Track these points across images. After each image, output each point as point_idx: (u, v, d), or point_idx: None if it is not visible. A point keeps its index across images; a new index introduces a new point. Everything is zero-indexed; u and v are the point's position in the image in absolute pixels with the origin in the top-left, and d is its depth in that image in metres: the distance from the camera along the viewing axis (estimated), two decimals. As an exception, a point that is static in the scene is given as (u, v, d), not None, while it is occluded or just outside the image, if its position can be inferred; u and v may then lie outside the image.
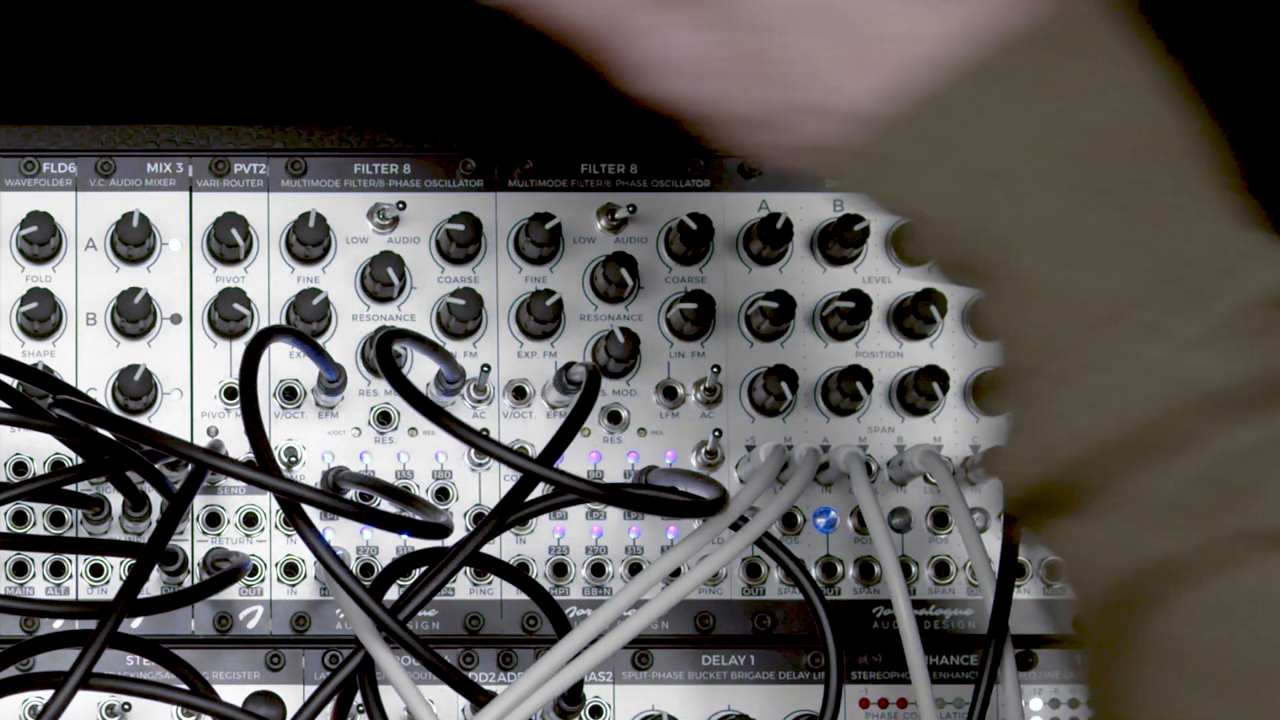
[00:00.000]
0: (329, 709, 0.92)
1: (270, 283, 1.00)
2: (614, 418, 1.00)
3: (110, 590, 0.99)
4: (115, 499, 0.98)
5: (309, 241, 0.99)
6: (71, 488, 0.97)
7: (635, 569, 1.00)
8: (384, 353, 0.90)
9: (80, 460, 0.94)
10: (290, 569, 0.99)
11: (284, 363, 1.00)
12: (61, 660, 0.92)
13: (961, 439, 1.00)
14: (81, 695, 0.88)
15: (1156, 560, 0.71)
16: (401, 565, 0.95)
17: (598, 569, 1.00)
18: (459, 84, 1.11)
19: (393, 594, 0.94)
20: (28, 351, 0.99)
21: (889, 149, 0.72)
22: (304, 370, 0.99)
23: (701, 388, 1.00)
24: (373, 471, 1.00)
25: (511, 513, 0.90)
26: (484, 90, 1.10)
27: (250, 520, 0.99)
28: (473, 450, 1.00)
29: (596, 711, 1.00)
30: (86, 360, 0.99)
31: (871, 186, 0.73)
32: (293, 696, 0.98)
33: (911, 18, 0.71)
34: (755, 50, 0.74)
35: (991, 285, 0.72)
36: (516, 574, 0.98)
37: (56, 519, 0.99)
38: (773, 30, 0.73)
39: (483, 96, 1.10)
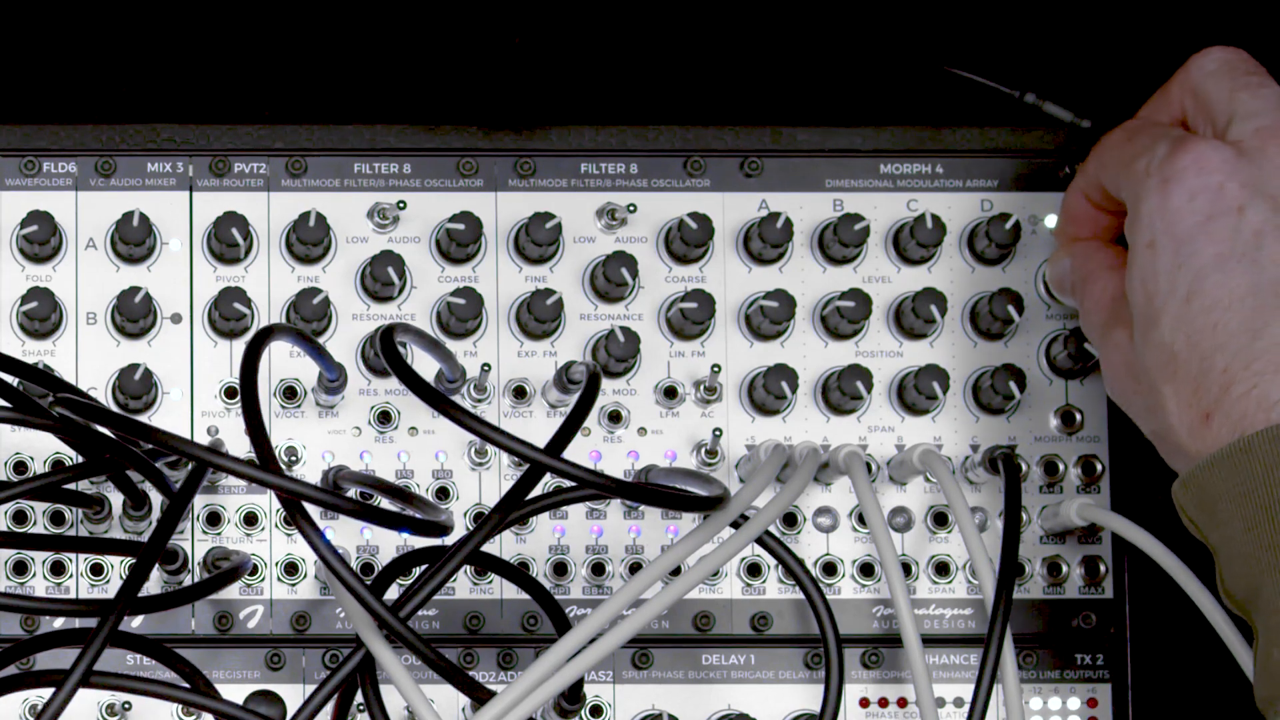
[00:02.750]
0: (329, 708, 0.92)
1: (270, 282, 1.00)
2: (614, 418, 1.00)
3: (110, 589, 0.99)
4: (115, 498, 0.98)
5: (309, 241, 0.99)
6: (72, 487, 0.97)
7: (635, 568, 1.00)
8: (388, 345, 0.90)
9: (81, 459, 0.94)
10: (290, 568, 0.99)
11: (284, 362, 1.00)
12: (62, 659, 0.92)
13: (961, 439, 1.01)
14: (82, 694, 0.88)
15: None
16: (402, 564, 0.95)
17: (598, 568, 1.00)
18: (459, 83, 1.11)
19: (393, 593, 0.94)
20: (28, 351, 0.99)
21: (1205, 478, 0.84)
22: (304, 370, 0.99)
23: (701, 388, 1.00)
24: (373, 471, 1.00)
25: (514, 509, 0.90)
26: (484, 90, 1.10)
27: (250, 519, 0.99)
28: (474, 450, 1.00)
29: (596, 711, 1.00)
30: (87, 360, 0.99)
31: (1185, 507, 0.86)
32: (293, 695, 0.98)
33: (1258, 388, 0.83)
34: (1140, 378, 0.89)
35: (1261, 623, 0.83)
36: (517, 573, 0.98)
37: (57, 518, 0.99)
38: (1148, 369, 0.88)
39: (483, 96, 1.10)
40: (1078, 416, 1.00)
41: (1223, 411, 0.84)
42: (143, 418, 0.99)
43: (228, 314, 0.98)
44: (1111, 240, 0.95)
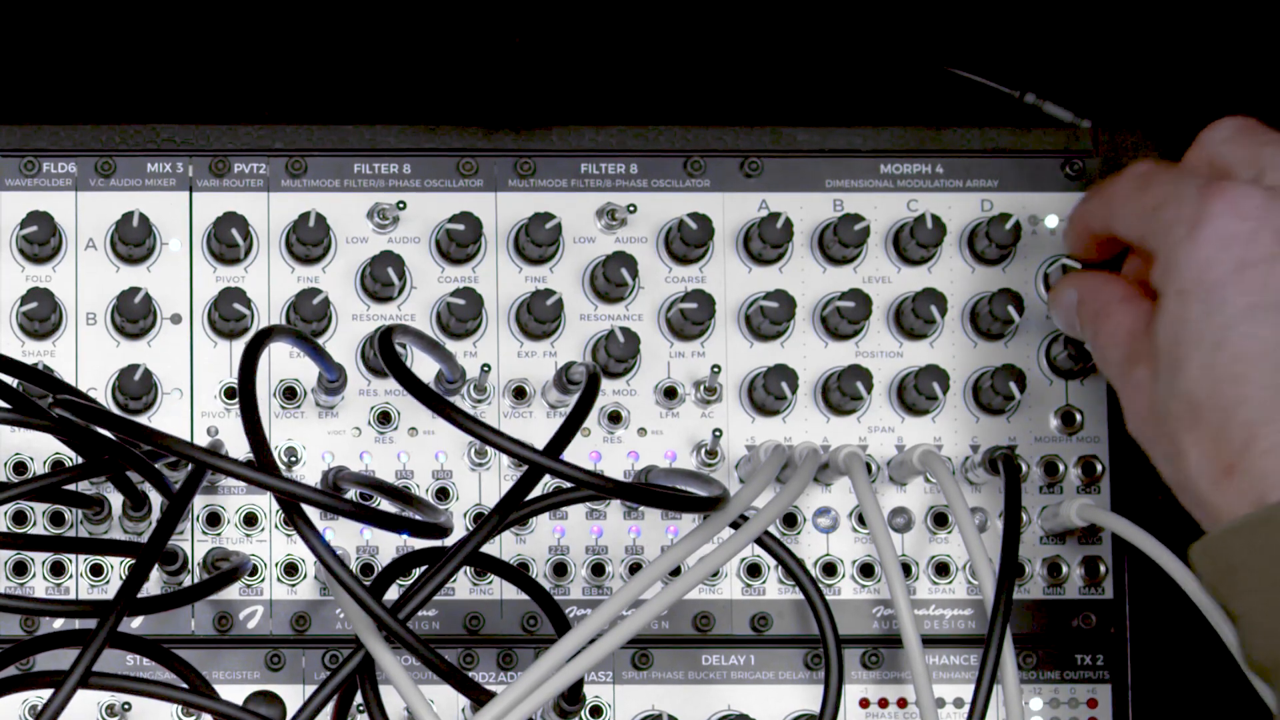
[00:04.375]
0: (329, 708, 0.92)
1: (270, 283, 1.00)
2: (614, 418, 1.00)
3: (110, 590, 0.99)
4: (115, 499, 0.98)
5: (309, 241, 0.99)
6: (71, 487, 0.97)
7: (635, 569, 1.00)
8: (386, 346, 0.90)
9: (80, 460, 0.94)
10: (290, 569, 0.99)
11: (284, 363, 1.00)
12: (61, 660, 0.92)
13: (961, 439, 1.00)
14: (81, 694, 0.88)
15: None
16: (401, 565, 0.95)
17: (598, 569, 1.00)
18: (459, 83, 1.11)
19: (393, 594, 0.94)
20: (28, 351, 0.99)
21: (1223, 546, 0.83)
22: (304, 370, 0.99)
23: (701, 388, 1.00)
24: (373, 471, 1.00)
25: (513, 510, 0.90)
26: (484, 90, 1.10)
27: (250, 520, 0.99)
28: (473, 450, 1.00)
29: (596, 711, 1.00)
30: (86, 360, 0.99)
31: (1203, 574, 0.85)
32: (293, 696, 0.98)
33: (1279, 454, 0.82)
34: (1161, 424, 0.87)
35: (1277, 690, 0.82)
36: (517, 574, 0.98)
37: (56, 519, 0.99)
38: (1170, 416, 0.86)
39: (483, 96, 1.10)
40: (1078, 417, 1.00)
41: (1244, 467, 0.82)
42: (142, 418, 0.99)
43: (228, 314, 0.98)
44: (1117, 268, 0.94)
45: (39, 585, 0.99)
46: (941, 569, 1.00)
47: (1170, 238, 0.87)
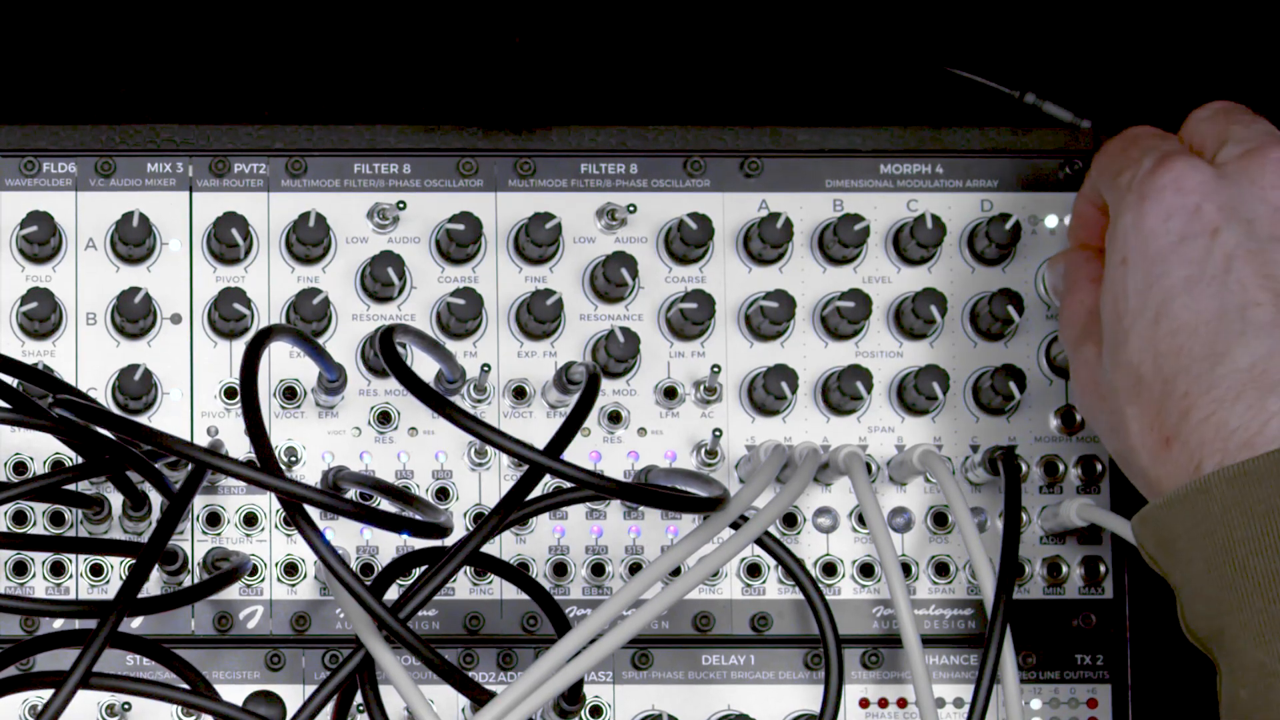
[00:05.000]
0: (329, 708, 0.92)
1: (270, 283, 1.00)
2: (614, 418, 1.00)
3: (110, 590, 0.99)
4: (115, 499, 0.98)
5: (309, 241, 0.99)
6: (71, 487, 0.97)
7: (635, 569, 1.00)
8: (387, 346, 0.90)
9: (80, 460, 0.94)
10: (290, 569, 0.99)
11: (284, 363, 1.00)
12: (61, 660, 0.92)
13: (961, 439, 1.00)
14: (81, 695, 0.88)
15: None
16: (401, 565, 0.95)
17: (598, 569, 1.00)
18: (459, 83, 1.11)
19: (393, 593, 0.94)
20: (28, 351, 0.99)
21: (1162, 516, 0.83)
22: (304, 370, 0.99)
23: (701, 388, 1.00)
24: (373, 471, 1.00)
25: (513, 510, 0.90)
26: (484, 90, 1.10)
27: (250, 520, 0.99)
28: (473, 450, 1.00)
29: (596, 711, 1.00)
30: (86, 360, 0.99)
31: (1144, 544, 0.85)
32: (293, 696, 0.98)
33: (1216, 415, 0.82)
34: (1105, 396, 0.89)
35: (1225, 662, 0.82)
36: (517, 574, 0.98)
37: (56, 519, 0.99)
38: (1114, 388, 0.87)
39: (483, 96, 1.10)
40: (1078, 417, 1.00)
41: (1182, 438, 0.83)
42: (143, 418, 0.99)
43: (228, 314, 0.98)
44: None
45: (39, 585, 0.99)
46: (941, 569, 1.00)
47: (1121, 204, 0.88)
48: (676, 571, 0.94)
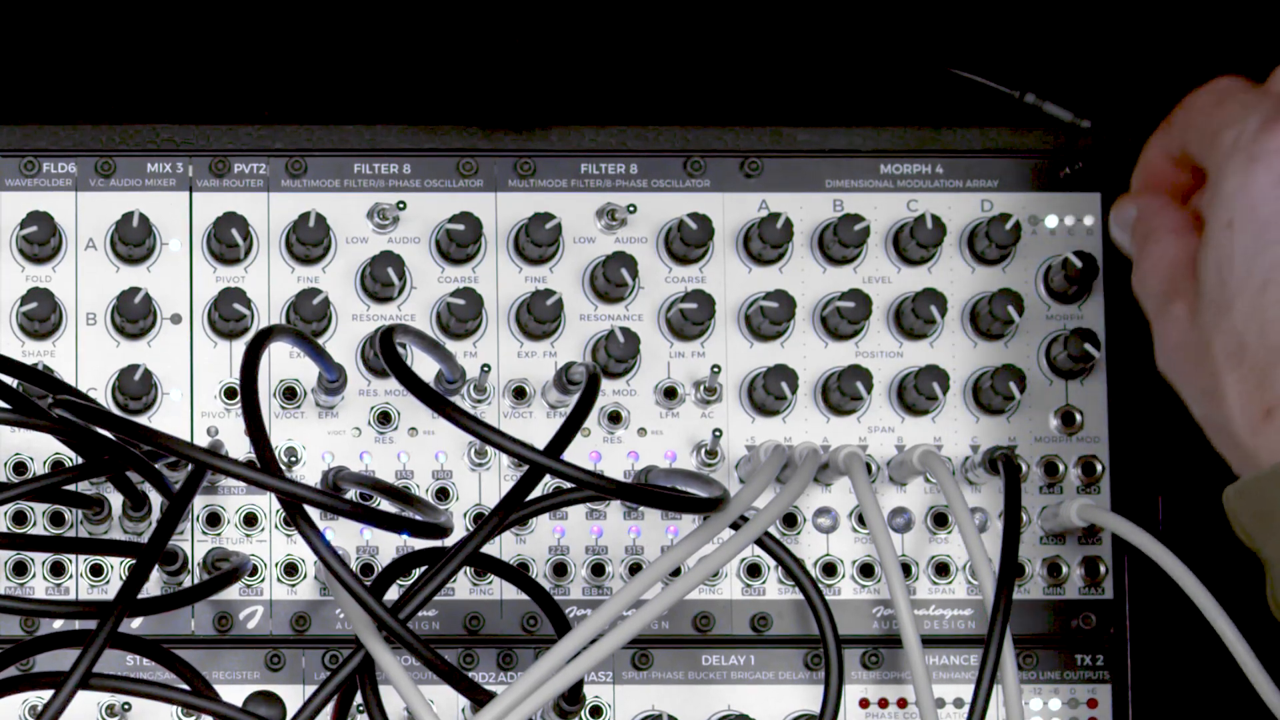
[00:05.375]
0: (329, 709, 0.92)
1: (270, 283, 1.00)
2: (614, 418, 1.00)
3: (110, 590, 0.99)
4: (115, 499, 0.98)
5: (309, 241, 0.99)
6: (71, 488, 0.97)
7: (635, 569, 1.00)
8: (387, 346, 0.90)
9: (80, 460, 0.94)
10: (290, 569, 0.99)
11: (284, 363, 1.00)
12: (61, 660, 0.92)
13: (961, 439, 1.00)
14: (81, 695, 0.88)
15: None
16: (401, 565, 0.95)
17: (598, 569, 1.00)
18: (459, 83, 1.11)
19: (393, 594, 0.94)
20: (28, 351, 0.99)
21: (1261, 490, 0.81)
22: (304, 370, 0.99)
23: (701, 388, 1.00)
24: (373, 471, 1.00)
25: (514, 510, 0.90)
26: (484, 90, 1.10)
27: (250, 520, 0.99)
28: (473, 450, 1.00)
29: (596, 711, 1.00)
30: (86, 360, 0.99)
31: (1238, 516, 0.83)
32: (293, 696, 0.98)
33: None
34: (1200, 360, 0.85)
35: None
36: (516, 574, 0.98)
37: (56, 519, 0.99)
38: (1212, 353, 0.84)
39: (483, 96, 1.10)
40: (1078, 417, 1.00)
41: None
42: (142, 418, 0.99)
43: (228, 314, 0.98)
44: (1183, 200, 0.91)
45: (39, 585, 0.99)
46: (941, 569, 1.00)
47: (1227, 165, 0.85)
48: (676, 572, 0.94)
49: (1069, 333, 1.00)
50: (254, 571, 0.99)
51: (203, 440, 0.99)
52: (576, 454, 1.00)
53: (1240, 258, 0.83)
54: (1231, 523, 0.85)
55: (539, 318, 0.99)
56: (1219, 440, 0.86)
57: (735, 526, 0.92)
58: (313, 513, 0.93)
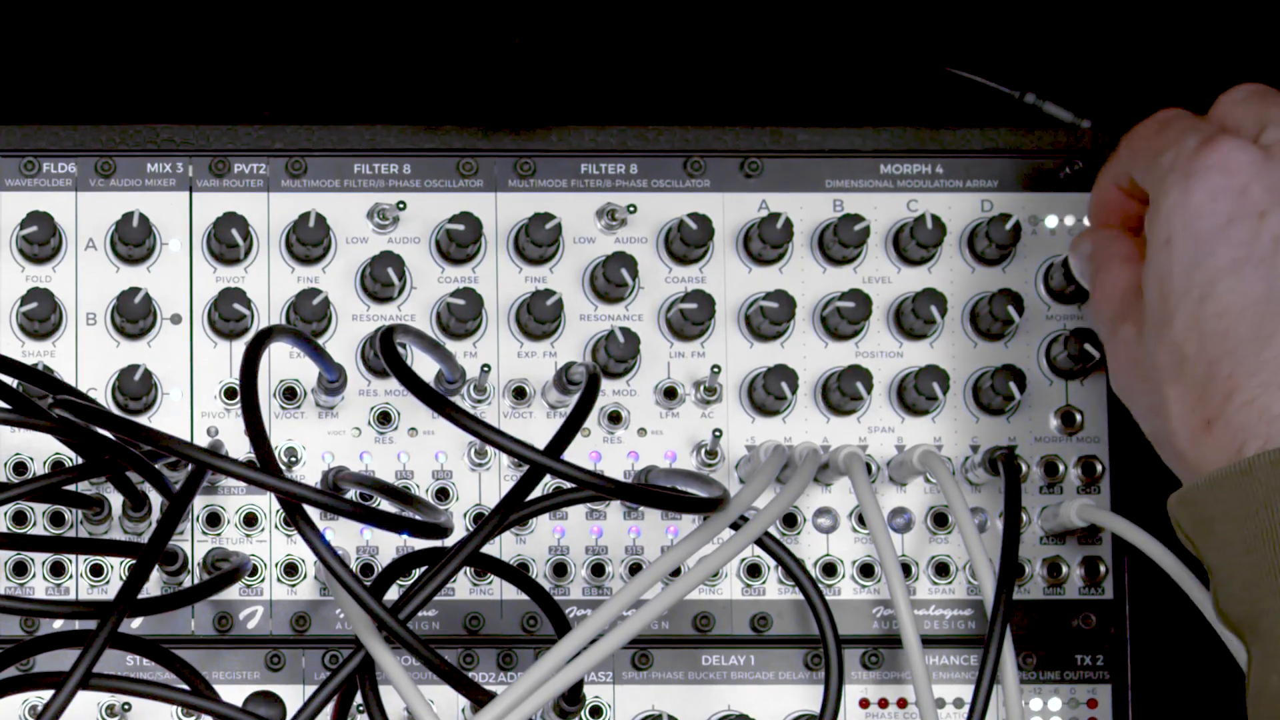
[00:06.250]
0: (329, 709, 0.92)
1: (270, 283, 1.00)
2: (614, 418, 1.00)
3: (110, 590, 0.99)
4: (115, 499, 0.98)
5: (309, 241, 0.99)
6: (71, 488, 0.97)
7: (635, 569, 1.00)
8: (387, 346, 0.90)
9: (80, 460, 0.94)
10: (290, 569, 0.99)
11: (284, 363, 1.00)
12: (61, 660, 0.92)
13: (961, 439, 1.00)
14: (81, 695, 0.88)
15: None
16: (401, 565, 0.95)
17: (598, 569, 1.00)
18: (459, 83, 1.11)
19: (393, 594, 0.94)
20: (28, 351, 0.99)
21: (1201, 497, 0.83)
22: (304, 370, 0.99)
23: (701, 388, 1.00)
24: (373, 471, 1.00)
25: (514, 510, 0.90)
26: (484, 90, 1.10)
27: (250, 520, 0.99)
28: (473, 450, 1.00)
29: (596, 711, 1.00)
30: (86, 360, 0.99)
31: (1181, 524, 0.85)
32: (293, 696, 0.98)
33: (1260, 399, 0.82)
34: (1145, 376, 0.88)
35: (1259, 648, 0.81)
36: (516, 574, 0.98)
37: (56, 519, 0.99)
38: (1155, 368, 0.87)
39: (483, 96, 1.10)
40: (1078, 417, 1.00)
41: (1224, 420, 0.83)
42: (142, 418, 0.99)
43: (227, 315, 0.98)
44: (1136, 231, 0.94)
45: (39, 586, 0.99)
46: (941, 569, 1.00)
47: (1164, 185, 0.87)
48: (676, 572, 0.94)
49: (1069, 333, 1.00)
50: (254, 571, 0.99)
51: (203, 440, 0.99)
52: (576, 454, 1.00)
53: (1179, 272, 0.86)
54: (1176, 530, 0.86)
55: (539, 318, 0.99)
56: (1165, 453, 0.88)
57: (735, 527, 0.92)
58: (313, 513, 0.93)
